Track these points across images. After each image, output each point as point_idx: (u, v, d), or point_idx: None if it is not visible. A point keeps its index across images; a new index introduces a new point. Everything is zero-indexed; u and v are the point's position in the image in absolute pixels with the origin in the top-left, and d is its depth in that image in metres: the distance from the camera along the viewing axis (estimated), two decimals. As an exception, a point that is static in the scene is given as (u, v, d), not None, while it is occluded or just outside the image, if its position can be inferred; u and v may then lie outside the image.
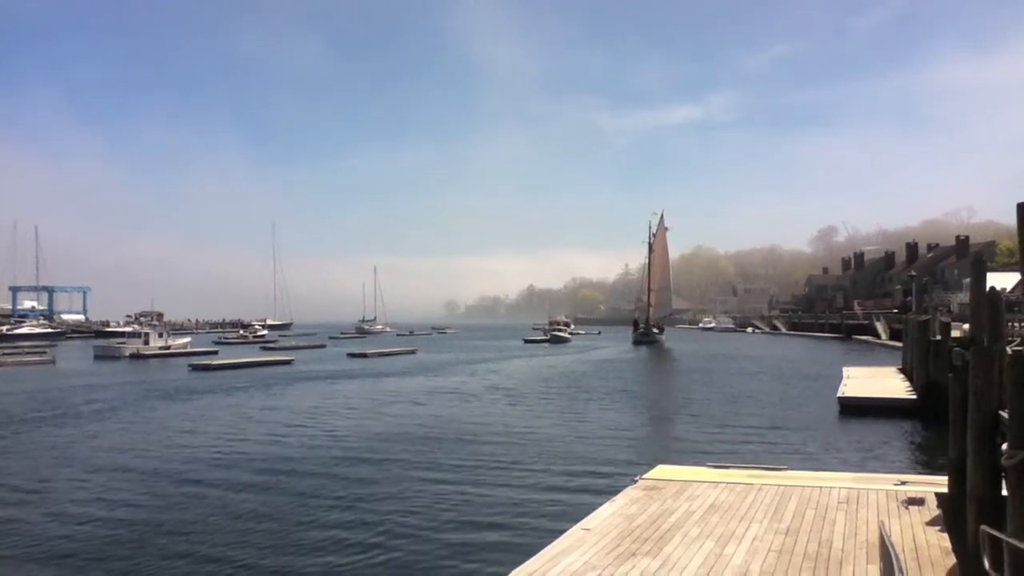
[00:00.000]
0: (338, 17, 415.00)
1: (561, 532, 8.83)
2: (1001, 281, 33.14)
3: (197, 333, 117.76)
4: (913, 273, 59.40)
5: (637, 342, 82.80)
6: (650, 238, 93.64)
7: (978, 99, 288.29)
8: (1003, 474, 6.61)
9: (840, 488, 10.58)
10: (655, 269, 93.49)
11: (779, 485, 10.87)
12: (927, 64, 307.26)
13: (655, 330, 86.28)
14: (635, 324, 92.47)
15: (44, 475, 16.38)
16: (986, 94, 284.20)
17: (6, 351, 60.57)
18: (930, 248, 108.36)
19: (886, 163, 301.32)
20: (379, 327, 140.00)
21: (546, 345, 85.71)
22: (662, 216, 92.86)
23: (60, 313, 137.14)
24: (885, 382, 29.32)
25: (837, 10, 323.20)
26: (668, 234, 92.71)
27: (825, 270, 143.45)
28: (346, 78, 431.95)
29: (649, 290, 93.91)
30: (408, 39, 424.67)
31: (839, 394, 25.95)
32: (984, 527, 6.03)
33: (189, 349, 67.93)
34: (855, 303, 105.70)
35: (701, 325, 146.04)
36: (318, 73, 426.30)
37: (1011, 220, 11.49)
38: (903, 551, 7.58)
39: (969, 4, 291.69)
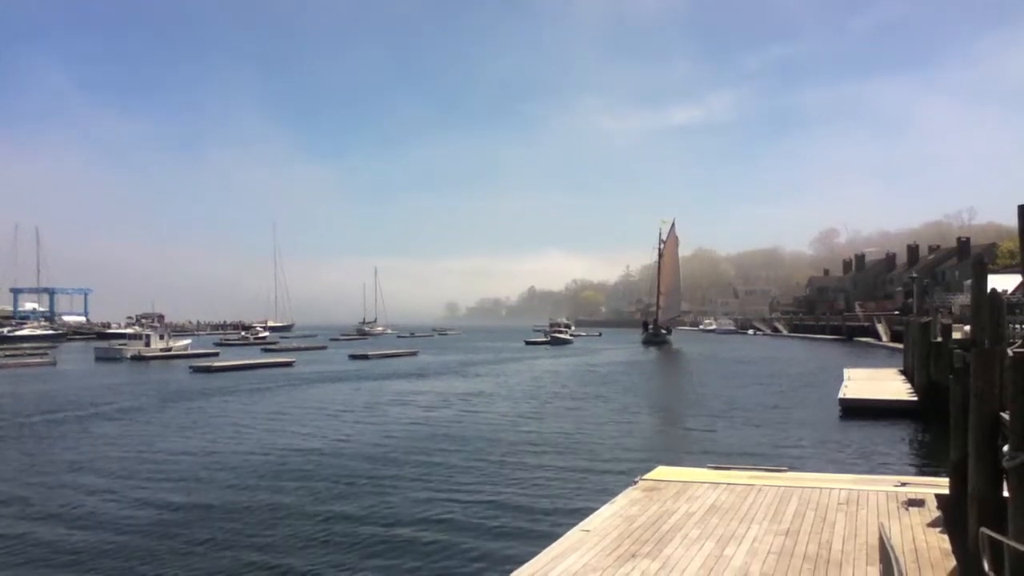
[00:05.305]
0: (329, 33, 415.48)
1: (560, 533, 8.82)
2: (1002, 283, 33.12)
3: (198, 335, 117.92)
4: (914, 275, 59.27)
5: (647, 342, 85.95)
6: (660, 243, 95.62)
7: (977, 101, 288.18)
8: (1004, 476, 6.60)
9: (840, 489, 10.56)
10: (665, 273, 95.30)
11: (779, 486, 10.86)
12: (928, 65, 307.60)
13: (663, 331, 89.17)
14: (644, 325, 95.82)
15: (45, 478, 16.36)
16: (986, 96, 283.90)
17: (7, 353, 60.50)
18: (931, 250, 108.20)
19: (886, 164, 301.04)
20: (380, 329, 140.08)
21: (547, 347, 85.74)
22: (673, 223, 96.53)
23: (61, 315, 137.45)
24: (886, 384, 29.28)
25: (836, 10, 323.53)
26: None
27: (826, 272, 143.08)
28: (349, 76, 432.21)
29: (659, 293, 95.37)
30: (416, 50, 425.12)
31: (840, 396, 25.92)
32: (984, 529, 6.01)
33: (190, 351, 67.89)
34: (856, 305, 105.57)
35: (702, 327, 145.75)
36: (320, 71, 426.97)
37: (1012, 222, 11.48)
38: (903, 553, 7.56)
39: (965, 7, 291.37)
